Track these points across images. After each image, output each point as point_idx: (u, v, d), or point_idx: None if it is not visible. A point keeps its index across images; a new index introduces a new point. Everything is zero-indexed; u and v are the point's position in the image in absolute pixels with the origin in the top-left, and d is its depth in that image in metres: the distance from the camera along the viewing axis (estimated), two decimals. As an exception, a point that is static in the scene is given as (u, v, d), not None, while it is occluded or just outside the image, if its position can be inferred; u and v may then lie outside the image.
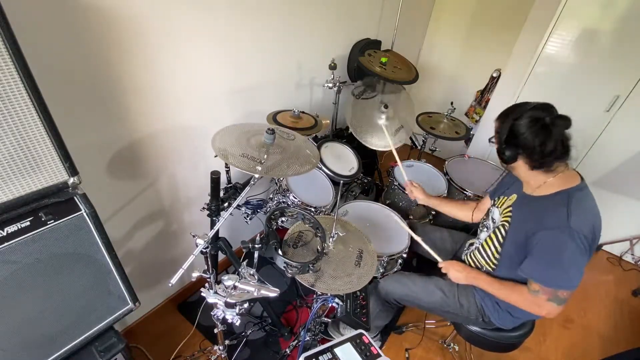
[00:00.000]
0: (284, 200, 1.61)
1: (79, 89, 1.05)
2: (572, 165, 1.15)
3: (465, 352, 1.81)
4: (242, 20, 1.44)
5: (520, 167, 1.16)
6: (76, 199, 0.86)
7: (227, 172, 1.37)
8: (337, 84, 1.91)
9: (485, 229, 1.38)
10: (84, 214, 0.88)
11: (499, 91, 2.67)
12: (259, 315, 1.83)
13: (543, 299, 1.10)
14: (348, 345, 0.92)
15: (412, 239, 1.53)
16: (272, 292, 0.92)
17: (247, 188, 1.12)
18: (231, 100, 1.60)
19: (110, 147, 1.22)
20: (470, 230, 1.58)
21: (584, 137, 2.38)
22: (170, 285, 0.86)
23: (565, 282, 1.07)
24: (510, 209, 1.24)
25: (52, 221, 0.83)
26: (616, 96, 2.18)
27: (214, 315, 1.02)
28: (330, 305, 1.21)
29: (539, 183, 1.15)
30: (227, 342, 1.46)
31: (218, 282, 0.97)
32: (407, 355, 1.78)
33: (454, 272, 1.33)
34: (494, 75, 2.73)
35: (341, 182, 1.64)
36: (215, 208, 1.27)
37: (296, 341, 1.67)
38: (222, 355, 1.45)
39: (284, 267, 1.01)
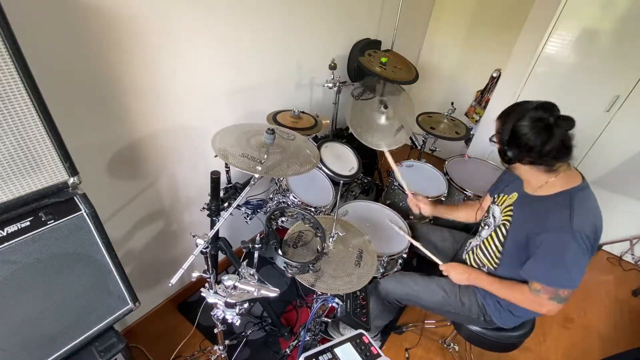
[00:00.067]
0: (284, 200, 1.61)
1: (79, 89, 1.05)
2: (572, 165, 1.15)
3: (465, 352, 1.81)
4: (242, 20, 1.44)
5: (522, 167, 1.15)
6: (76, 199, 0.87)
7: (227, 172, 1.37)
8: (337, 84, 1.91)
9: (486, 227, 1.37)
10: (84, 214, 0.88)
11: (499, 91, 2.66)
12: (259, 315, 1.83)
13: (544, 298, 1.10)
14: (348, 345, 0.92)
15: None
16: (272, 292, 0.92)
17: (247, 188, 1.12)
18: (231, 100, 1.59)
19: (110, 147, 1.22)
20: (471, 230, 1.58)
21: (584, 137, 2.37)
22: (170, 285, 0.86)
23: (567, 281, 1.07)
24: (511, 208, 1.24)
25: (52, 221, 0.83)
26: (616, 96, 2.18)
27: (214, 315, 1.02)
28: (330, 305, 1.21)
29: (540, 183, 1.15)
30: (227, 342, 1.46)
31: (218, 282, 0.97)
32: (407, 355, 1.78)
33: (455, 274, 1.33)
34: (494, 75, 2.73)
35: (341, 182, 1.64)
36: (215, 208, 1.27)
37: (296, 341, 1.67)
38: (222, 355, 1.45)
39: (284, 267, 1.01)
